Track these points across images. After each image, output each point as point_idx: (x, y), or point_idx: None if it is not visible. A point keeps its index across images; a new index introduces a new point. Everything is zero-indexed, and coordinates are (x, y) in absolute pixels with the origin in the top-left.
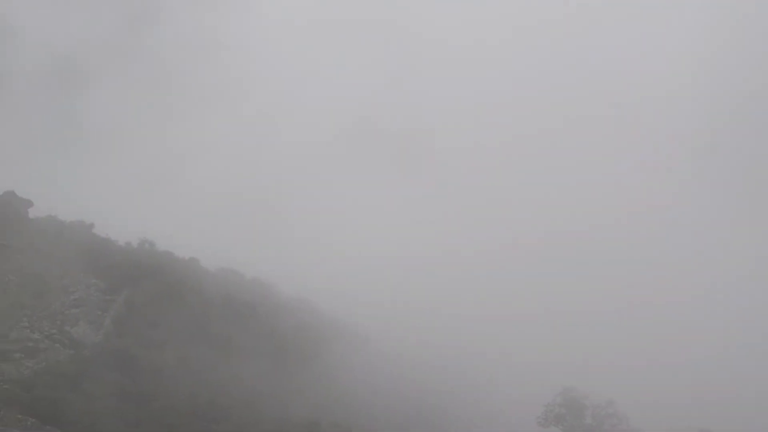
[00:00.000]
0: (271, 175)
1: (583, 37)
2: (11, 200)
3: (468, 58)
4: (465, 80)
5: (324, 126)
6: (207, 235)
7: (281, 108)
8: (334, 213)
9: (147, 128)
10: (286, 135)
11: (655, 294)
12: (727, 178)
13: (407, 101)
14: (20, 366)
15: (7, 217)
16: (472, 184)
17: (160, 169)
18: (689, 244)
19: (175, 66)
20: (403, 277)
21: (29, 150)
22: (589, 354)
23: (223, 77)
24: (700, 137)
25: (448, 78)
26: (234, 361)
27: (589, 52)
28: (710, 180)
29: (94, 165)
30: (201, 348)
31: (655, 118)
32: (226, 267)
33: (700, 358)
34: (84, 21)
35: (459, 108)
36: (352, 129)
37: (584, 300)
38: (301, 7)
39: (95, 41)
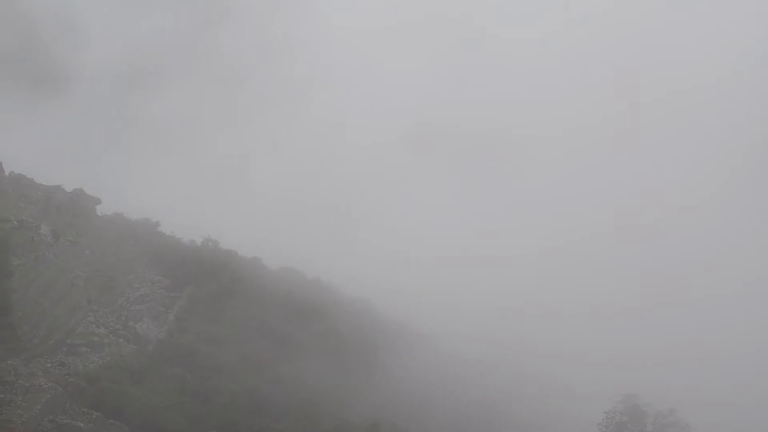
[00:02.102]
0: (335, 176)
1: (642, 30)
2: (80, 197)
3: (530, 55)
4: (530, 76)
5: (388, 127)
6: (270, 234)
7: (347, 109)
8: (398, 213)
9: (215, 128)
10: (351, 136)
11: (711, 293)
12: None
13: (472, 101)
14: (86, 360)
15: (75, 214)
16: (536, 182)
17: (226, 169)
18: (745, 244)
19: (244, 67)
20: (465, 277)
21: (99, 148)
22: (649, 354)
23: (291, 79)
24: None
25: (513, 75)
26: (294, 360)
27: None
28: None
29: (162, 164)
30: (261, 345)
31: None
32: (288, 266)
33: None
34: (155, 21)
35: (524, 106)
36: (416, 130)
37: (649, 299)
38: (367, 9)
39: (166, 41)
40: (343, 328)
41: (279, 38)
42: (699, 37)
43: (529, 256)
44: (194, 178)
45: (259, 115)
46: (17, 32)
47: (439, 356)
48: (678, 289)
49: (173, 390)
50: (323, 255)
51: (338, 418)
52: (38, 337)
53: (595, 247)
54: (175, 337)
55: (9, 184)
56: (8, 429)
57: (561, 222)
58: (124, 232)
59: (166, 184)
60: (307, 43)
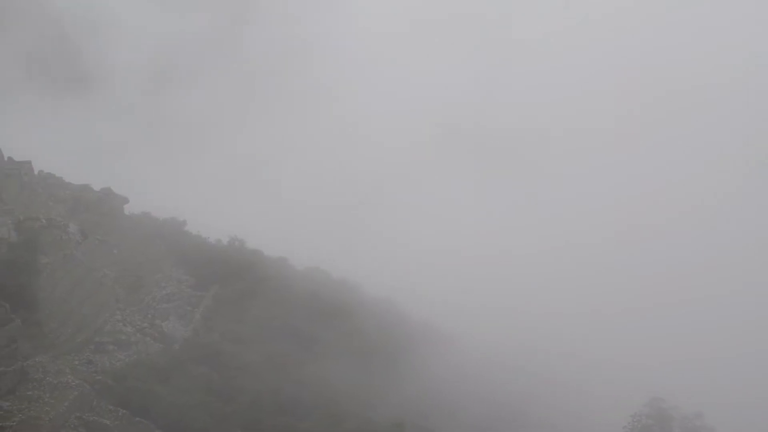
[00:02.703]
0: (361, 177)
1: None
2: (108, 196)
3: (545, 55)
4: (547, 75)
5: (411, 128)
6: (296, 234)
7: (372, 110)
8: (422, 214)
9: (240, 128)
10: (376, 137)
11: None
12: None
13: (497, 101)
14: (113, 358)
15: (103, 213)
16: (562, 182)
17: (252, 168)
18: (748, 244)
19: (268, 68)
20: (487, 276)
21: (126, 147)
22: (676, 355)
23: (315, 80)
24: None
25: (533, 74)
26: (319, 360)
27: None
28: None
29: (188, 163)
30: (287, 345)
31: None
32: (314, 266)
33: None
34: (181, 21)
35: (550, 106)
36: (439, 130)
37: (670, 296)
38: (392, 9)
39: (192, 41)
40: (367, 328)
41: (303, 39)
42: (702, 37)
43: (550, 254)
44: (220, 178)
45: (283, 116)
46: (46, 33)
47: (462, 356)
48: (690, 288)
49: (199, 389)
50: (348, 255)
51: (362, 418)
52: (66, 334)
53: (614, 245)
54: (201, 336)
55: (38, 183)
56: (36, 425)
57: (581, 220)
58: (151, 231)
59: (193, 184)
60: (331, 44)
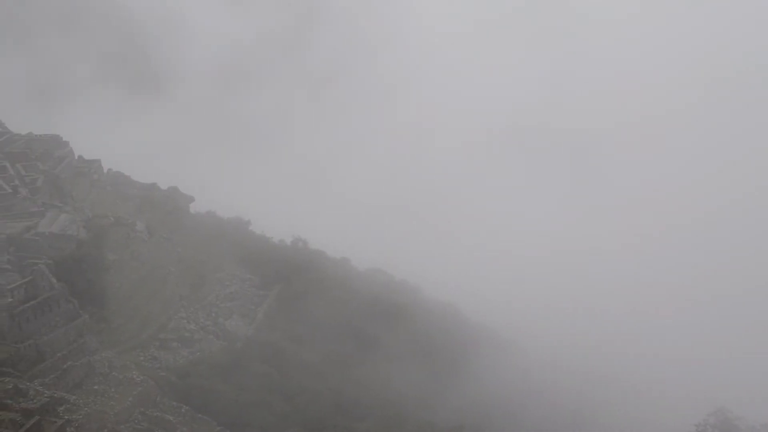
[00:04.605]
0: (423, 177)
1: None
2: (174, 195)
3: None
4: (619, 75)
5: (477, 128)
6: (358, 235)
7: (436, 111)
8: (484, 214)
9: (305, 129)
10: (438, 136)
11: None
12: None
13: (560, 100)
14: (176, 355)
15: (169, 212)
16: (630, 182)
17: (316, 168)
18: None
19: (333, 68)
20: (552, 276)
21: (194, 147)
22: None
23: (379, 80)
24: None
25: (603, 74)
26: (379, 361)
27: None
28: None
29: (254, 163)
30: (347, 345)
31: None
32: (376, 267)
33: None
34: (251, 22)
35: (613, 105)
36: (505, 129)
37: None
38: (455, 9)
39: (260, 42)
40: (428, 330)
41: (367, 40)
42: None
43: (611, 253)
44: (284, 178)
45: (347, 116)
46: (119, 33)
47: (524, 359)
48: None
49: (260, 387)
50: (409, 255)
51: (422, 421)
52: (131, 331)
53: (680, 243)
54: (263, 334)
55: (108, 182)
56: (101, 419)
57: (641, 217)
58: (215, 230)
59: (258, 183)
60: (395, 45)
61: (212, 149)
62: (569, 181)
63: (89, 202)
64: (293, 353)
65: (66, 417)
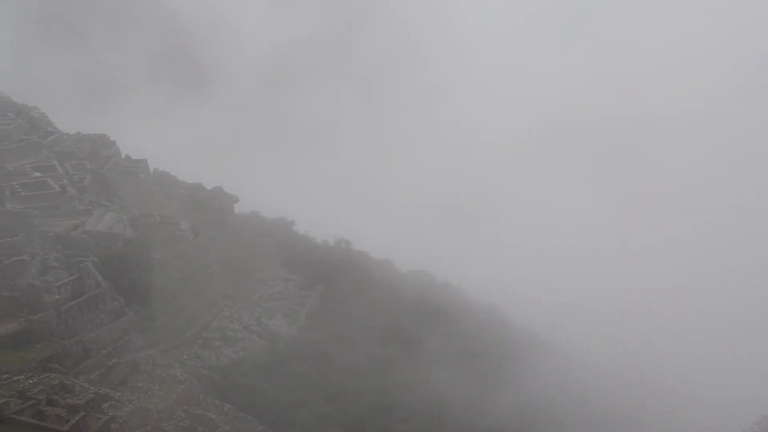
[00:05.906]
0: (467, 178)
1: None
2: (219, 195)
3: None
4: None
5: (521, 126)
6: (402, 237)
7: (479, 110)
8: (530, 215)
9: (350, 129)
10: (485, 136)
11: None
12: None
13: (603, 99)
14: (219, 354)
15: (214, 211)
16: (675, 183)
17: (361, 169)
18: None
19: (380, 68)
20: (594, 276)
21: (240, 147)
22: None
23: (425, 80)
24: None
25: (644, 73)
26: (422, 363)
27: None
28: None
29: (299, 164)
30: (390, 347)
31: None
32: (419, 269)
33: None
34: (294, 23)
35: (657, 104)
36: (547, 128)
37: None
38: (501, 8)
39: (305, 43)
40: (471, 333)
41: (414, 40)
42: None
43: (657, 254)
44: (329, 179)
45: (393, 117)
46: (167, 34)
47: (568, 362)
48: None
49: (302, 387)
50: (452, 257)
51: (465, 423)
52: (175, 329)
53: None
54: (306, 335)
55: (154, 181)
56: (145, 416)
57: (700, 221)
58: (259, 230)
59: (302, 184)
60: (441, 45)
61: (258, 150)
62: (613, 179)
63: (135, 201)
64: (336, 354)
65: (110, 413)
